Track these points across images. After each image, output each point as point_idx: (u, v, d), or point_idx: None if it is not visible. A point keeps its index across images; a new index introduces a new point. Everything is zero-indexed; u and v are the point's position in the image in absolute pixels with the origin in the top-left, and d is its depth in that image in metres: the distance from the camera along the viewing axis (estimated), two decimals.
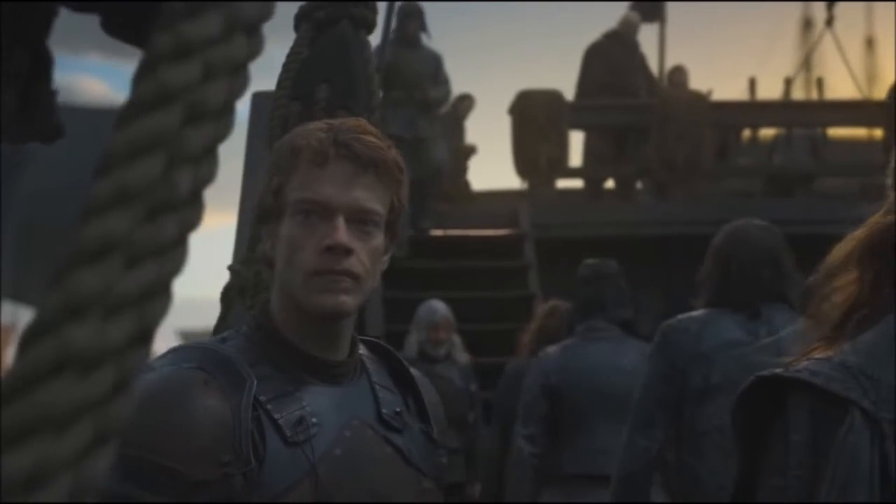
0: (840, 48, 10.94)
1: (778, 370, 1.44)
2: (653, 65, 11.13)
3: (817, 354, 1.45)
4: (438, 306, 6.40)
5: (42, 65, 0.78)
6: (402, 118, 8.41)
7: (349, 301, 1.67)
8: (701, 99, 9.95)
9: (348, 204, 1.67)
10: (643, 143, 9.86)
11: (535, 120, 9.58)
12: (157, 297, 0.63)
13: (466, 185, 10.85)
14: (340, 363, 1.75)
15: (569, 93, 10.06)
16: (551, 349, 4.77)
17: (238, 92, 0.71)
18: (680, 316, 3.54)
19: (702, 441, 3.37)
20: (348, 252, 1.66)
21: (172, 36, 0.65)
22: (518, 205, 9.26)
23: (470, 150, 11.20)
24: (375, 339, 1.90)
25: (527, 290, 8.60)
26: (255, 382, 1.63)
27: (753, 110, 10.63)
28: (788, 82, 11.39)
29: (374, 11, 3.11)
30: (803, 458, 1.39)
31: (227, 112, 0.70)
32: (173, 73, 0.64)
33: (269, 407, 1.64)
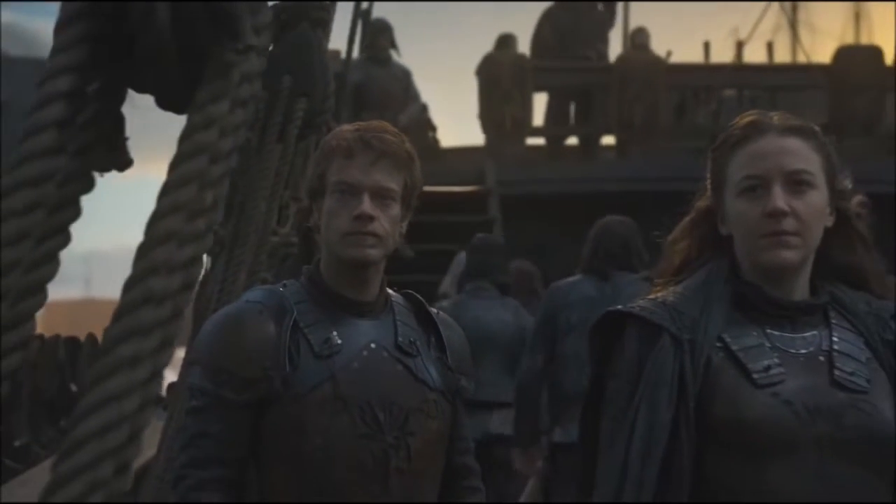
0: (789, 19, 11.41)
1: (620, 307, 1.99)
2: (617, 26, 11.55)
3: (650, 296, 2.01)
4: None
5: (120, 122, 1.26)
6: None
7: (373, 253, 2.31)
8: (657, 62, 10.42)
9: (371, 184, 2.30)
10: (603, 104, 10.32)
11: (500, 82, 10.05)
12: (197, 264, 1.12)
13: (435, 142, 11.29)
14: (368, 302, 2.36)
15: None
16: (445, 303, 5.82)
17: (239, 141, 1.20)
18: (562, 280, 5.22)
19: (566, 362, 4.96)
20: (371, 218, 2.28)
21: (203, 115, 1.14)
22: (484, 162, 9.73)
23: None
24: (412, 292, 2.51)
25: None
26: (296, 313, 2.27)
27: (706, 73, 11.10)
28: (740, 45, 11.89)
29: (329, 13, 3.70)
30: (632, 367, 1.95)
31: (232, 154, 1.18)
32: (203, 137, 1.13)
33: (305, 330, 2.27)
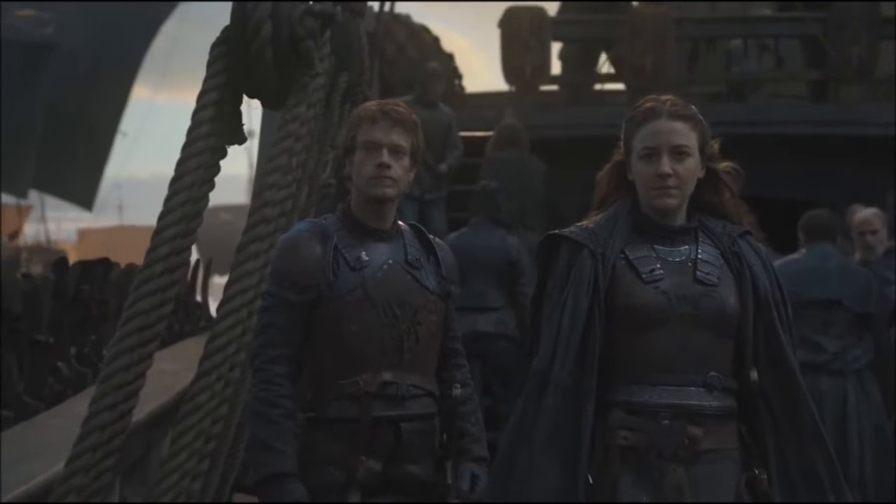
0: None
1: (556, 231, 2.84)
2: None
3: (580, 224, 2.88)
4: None
5: (240, 116, 2.08)
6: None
7: (390, 192, 3.20)
8: (666, 14, 11.08)
9: (388, 142, 3.18)
10: (616, 54, 11.00)
11: (521, 33, 10.78)
12: (287, 200, 1.94)
13: (461, 88, 12.05)
14: (386, 230, 3.25)
15: (553, 8, 11.17)
16: (451, 235, 7.35)
17: (311, 127, 2.02)
18: None
19: None
20: (389, 167, 3.17)
21: (291, 113, 1.96)
22: (504, 108, 10.46)
23: None
24: (416, 223, 3.40)
25: None
26: (336, 238, 3.11)
27: (712, 24, 11.75)
28: None
29: (365, 3, 4.59)
30: (563, 272, 2.85)
31: (307, 136, 2.01)
32: (290, 126, 1.95)
33: (342, 251, 3.14)
